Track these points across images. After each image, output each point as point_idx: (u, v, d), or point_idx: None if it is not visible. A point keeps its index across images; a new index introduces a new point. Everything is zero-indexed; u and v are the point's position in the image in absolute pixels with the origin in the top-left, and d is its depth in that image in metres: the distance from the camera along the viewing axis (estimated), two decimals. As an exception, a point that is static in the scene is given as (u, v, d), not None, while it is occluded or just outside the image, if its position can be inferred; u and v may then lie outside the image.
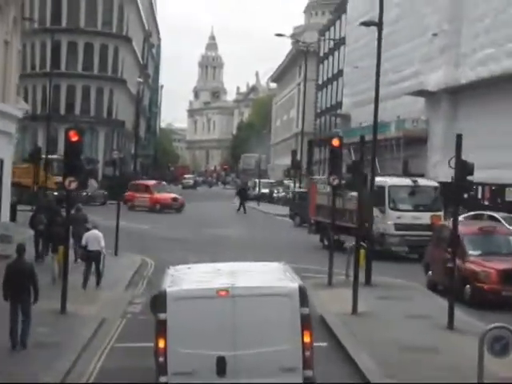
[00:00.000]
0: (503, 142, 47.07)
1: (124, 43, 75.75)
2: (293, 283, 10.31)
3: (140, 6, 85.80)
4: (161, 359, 9.88)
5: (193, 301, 9.90)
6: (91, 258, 21.85)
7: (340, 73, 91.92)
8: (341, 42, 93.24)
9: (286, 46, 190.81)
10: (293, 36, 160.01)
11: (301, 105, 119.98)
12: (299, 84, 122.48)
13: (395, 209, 32.60)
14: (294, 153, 60.94)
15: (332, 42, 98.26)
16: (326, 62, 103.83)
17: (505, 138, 47.07)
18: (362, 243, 21.10)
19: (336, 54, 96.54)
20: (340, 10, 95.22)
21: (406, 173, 55.42)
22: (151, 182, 60.27)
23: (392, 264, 28.71)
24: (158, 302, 10.04)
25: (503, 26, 49.25)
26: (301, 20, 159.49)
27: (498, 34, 49.71)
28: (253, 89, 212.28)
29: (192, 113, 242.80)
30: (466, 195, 18.97)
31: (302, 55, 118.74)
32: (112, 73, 74.60)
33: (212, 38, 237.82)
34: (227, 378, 9.82)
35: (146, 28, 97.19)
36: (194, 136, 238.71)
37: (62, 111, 73.82)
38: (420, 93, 60.21)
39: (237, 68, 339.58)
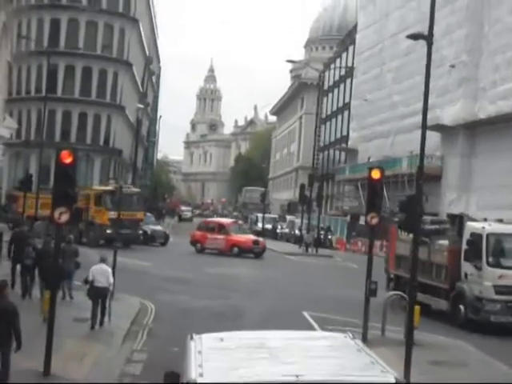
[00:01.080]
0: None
1: (124, 68, 72.47)
2: (386, 375, 6.93)
3: (142, 30, 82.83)
4: None
5: None
6: (98, 296, 19.61)
7: (346, 106, 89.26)
8: (347, 75, 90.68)
9: (285, 81, 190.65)
10: (294, 70, 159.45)
11: (302, 138, 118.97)
12: (301, 117, 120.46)
13: (496, 265, 23.64)
14: (302, 186, 57.72)
15: (338, 74, 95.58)
16: (330, 94, 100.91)
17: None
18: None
19: (342, 86, 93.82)
20: (347, 41, 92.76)
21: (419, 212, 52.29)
22: (227, 221, 53.78)
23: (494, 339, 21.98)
24: None
25: (526, 59, 46.77)
26: (301, 55, 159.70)
27: (521, 67, 47.28)
28: (251, 122, 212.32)
29: (189, 145, 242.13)
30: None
31: (304, 88, 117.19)
32: (110, 99, 71.27)
33: (211, 70, 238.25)
34: None
35: (147, 54, 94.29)
36: (189, 168, 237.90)
37: (57, 138, 70.44)
38: (435, 127, 57.12)
39: (235, 101, 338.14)
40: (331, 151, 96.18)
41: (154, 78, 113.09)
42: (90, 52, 70.04)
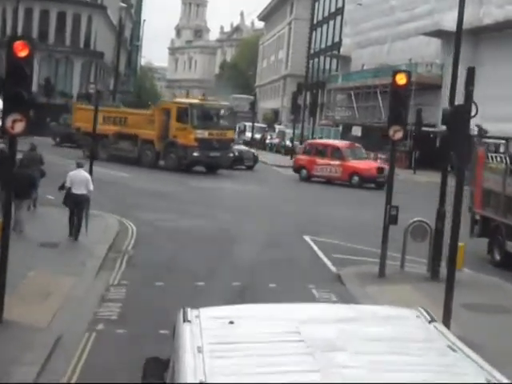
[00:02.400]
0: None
1: (105, -35, 68.13)
2: (479, 374, 4.42)
3: None
4: None
5: None
6: (76, 204, 18.51)
7: (338, 11, 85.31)
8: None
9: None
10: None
11: (291, 45, 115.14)
12: (290, 23, 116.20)
13: None
14: (295, 94, 54.30)
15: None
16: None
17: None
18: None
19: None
20: None
21: (419, 123, 49.51)
22: (342, 143, 44.44)
23: None
24: None
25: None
26: None
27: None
28: (237, 29, 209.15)
29: (173, 51, 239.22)
30: None
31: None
32: (91, -3, 67.29)
33: None
34: None
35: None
36: (174, 75, 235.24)
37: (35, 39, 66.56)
38: (435, 33, 53.85)
39: (220, 7, 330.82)
40: (322, 58, 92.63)
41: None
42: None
